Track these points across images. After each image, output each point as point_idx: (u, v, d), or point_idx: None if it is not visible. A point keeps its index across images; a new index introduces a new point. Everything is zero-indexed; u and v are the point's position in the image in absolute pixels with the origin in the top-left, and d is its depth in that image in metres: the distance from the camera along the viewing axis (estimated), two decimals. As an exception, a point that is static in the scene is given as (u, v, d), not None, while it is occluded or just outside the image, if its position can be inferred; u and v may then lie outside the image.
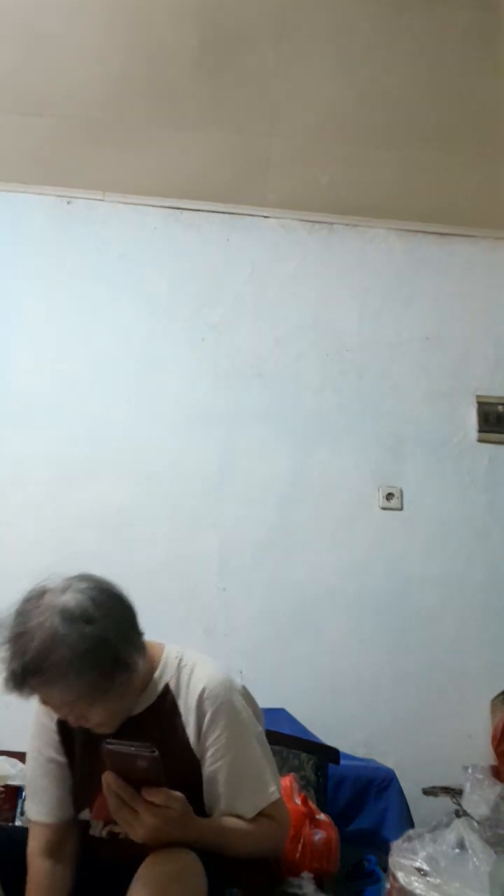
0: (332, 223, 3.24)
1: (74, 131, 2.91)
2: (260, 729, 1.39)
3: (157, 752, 1.14)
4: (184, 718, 1.32)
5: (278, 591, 2.79)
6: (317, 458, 2.95)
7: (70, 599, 1.25)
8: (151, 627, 2.73)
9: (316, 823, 1.74)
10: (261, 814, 1.33)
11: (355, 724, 2.66)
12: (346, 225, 3.24)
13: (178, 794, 1.19)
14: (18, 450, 2.86)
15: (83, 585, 1.28)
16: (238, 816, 1.31)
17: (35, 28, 2.58)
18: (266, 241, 3.20)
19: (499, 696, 2.69)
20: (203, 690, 1.33)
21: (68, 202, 3.17)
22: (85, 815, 1.37)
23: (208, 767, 1.31)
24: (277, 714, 2.48)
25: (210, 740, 1.31)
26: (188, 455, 2.91)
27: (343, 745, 2.16)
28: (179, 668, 1.38)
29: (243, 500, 2.88)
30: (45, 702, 1.27)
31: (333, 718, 2.60)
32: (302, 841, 1.67)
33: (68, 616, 1.22)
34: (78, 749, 1.38)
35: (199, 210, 3.19)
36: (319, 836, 1.71)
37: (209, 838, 1.24)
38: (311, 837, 1.68)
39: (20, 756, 2.32)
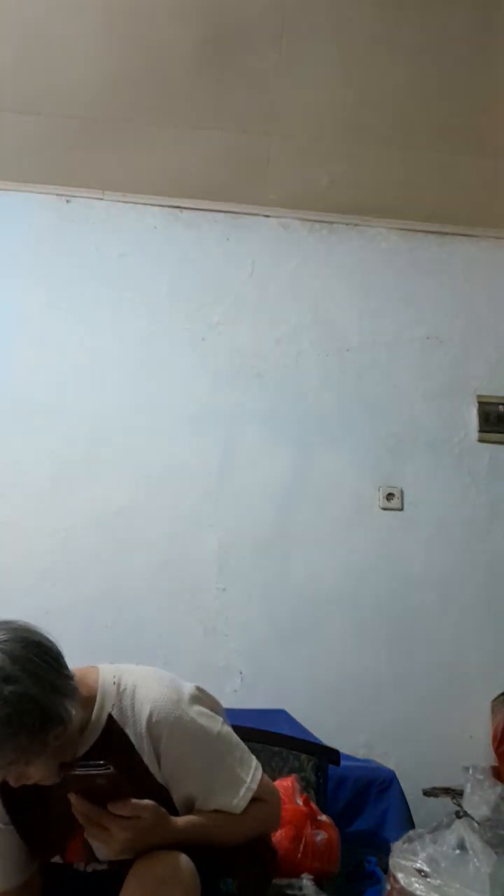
0: (332, 223, 3.23)
1: (74, 131, 2.91)
2: (220, 725, 1.31)
3: (111, 768, 1.12)
4: (137, 747, 1.25)
5: (278, 591, 2.79)
6: (317, 458, 2.95)
7: None
8: (151, 627, 2.76)
9: (317, 824, 1.74)
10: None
11: (355, 725, 2.66)
12: (347, 224, 3.24)
13: (146, 802, 1.17)
14: (18, 450, 2.86)
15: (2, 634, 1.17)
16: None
17: (35, 28, 2.57)
18: (266, 241, 3.19)
19: (499, 696, 2.69)
20: (150, 715, 1.24)
21: (67, 201, 3.16)
22: (57, 859, 1.32)
23: (179, 790, 1.26)
24: (277, 715, 2.48)
25: (172, 763, 1.25)
26: (188, 455, 2.91)
27: (343, 746, 2.16)
28: (120, 694, 1.28)
29: (243, 500, 2.88)
30: None
31: (333, 719, 2.60)
32: (303, 841, 1.67)
33: None
34: (27, 803, 1.29)
35: (199, 209, 3.19)
36: (321, 836, 1.71)
37: (193, 836, 1.22)
38: (312, 838, 1.68)
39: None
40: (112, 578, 2.74)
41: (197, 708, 1.29)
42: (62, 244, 3.11)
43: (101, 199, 3.17)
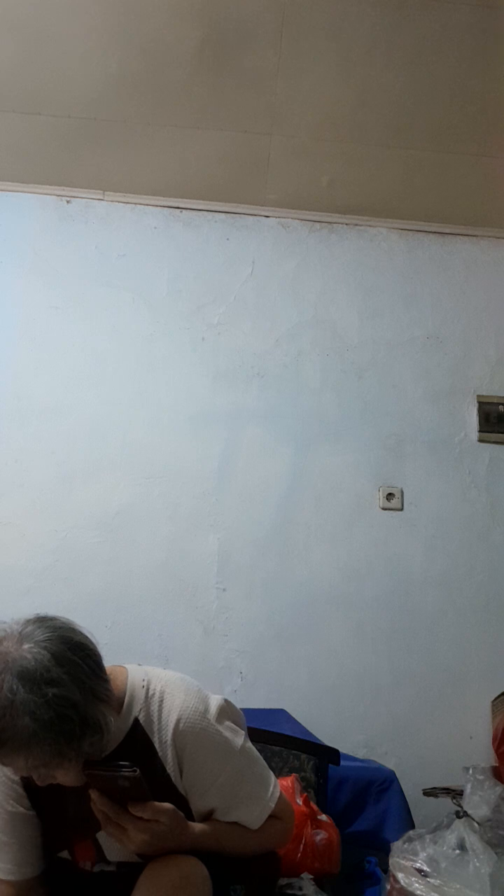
0: (332, 222, 3.24)
1: (74, 131, 2.90)
2: (244, 741, 1.30)
3: (137, 771, 1.12)
4: (161, 754, 1.24)
5: (278, 591, 2.79)
6: (317, 458, 2.95)
7: (28, 657, 1.10)
8: (151, 627, 2.76)
9: (317, 824, 1.74)
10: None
11: (355, 725, 2.66)
12: (347, 224, 3.24)
13: (166, 806, 1.17)
14: (19, 450, 2.86)
15: (42, 636, 1.13)
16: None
17: (35, 28, 2.57)
18: (266, 241, 3.20)
19: (499, 696, 2.69)
20: (178, 723, 1.23)
21: (68, 202, 3.17)
22: (64, 854, 1.31)
23: (198, 801, 1.26)
24: (277, 715, 2.48)
25: (194, 774, 1.24)
26: (188, 455, 2.91)
27: (343, 746, 2.16)
28: (148, 699, 1.26)
29: (243, 500, 2.88)
30: (6, 764, 1.17)
31: (333, 719, 2.61)
32: (303, 841, 1.67)
33: (28, 678, 1.08)
34: (46, 796, 1.28)
35: (199, 209, 3.19)
36: (321, 836, 1.71)
37: (206, 844, 1.23)
38: (312, 838, 1.68)
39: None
40: (112, 578, 2.74)
41: (224, 722, 1.28)
42: (62, 244, 3.11)
43: (101, 199, 3.17)
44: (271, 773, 1.35)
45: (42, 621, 1.17)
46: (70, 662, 1.13)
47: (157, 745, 1.24)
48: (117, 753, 1.22)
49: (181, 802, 1.24)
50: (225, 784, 1.25)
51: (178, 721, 1.23)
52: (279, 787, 1.34)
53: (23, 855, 1.29)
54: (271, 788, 1.31)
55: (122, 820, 1.15)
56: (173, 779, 1.24)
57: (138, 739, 1.24)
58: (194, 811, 1.26)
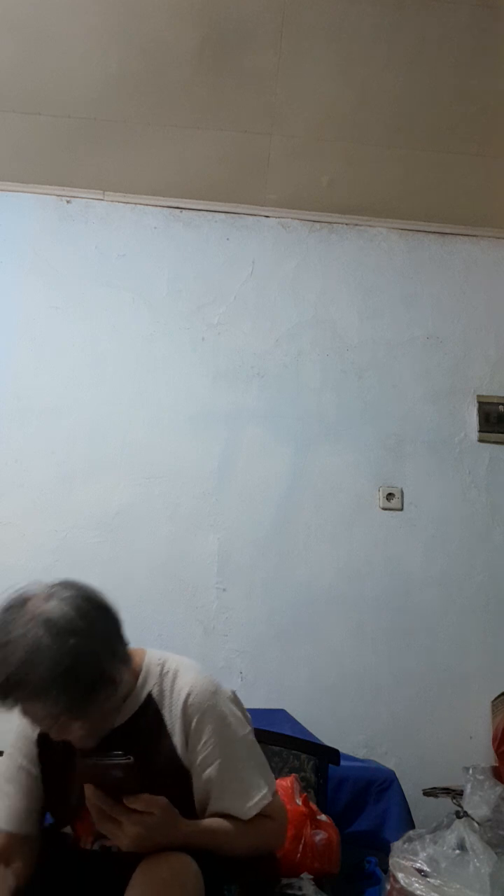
0: (332, 222, 3.24)
1: (74, 131, 2.91)
2: (249, 732, 1.35)
3: (132, 759, 1.13)
4: (169, 727, 1.29)
5: (278, 591, 2.79)
6: (317, 458, 2.95)
7: (55, 609, 1.18)
8: (151, 627, 2.75)
9: (317, 824, 1.74)
10: (257, 814, 1.31)
11: (355, 725, 2.66)
12: (347, 224, 3.24)
13: (159, 798, 1.18)
14: (19, 450, 2.86)
15: (67, 594, 1.22)
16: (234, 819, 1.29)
17: (35, 28, 2.57)
18: (266, 241, 3.20)
19: (499, 696, 2.69)
20: (188, 697, 1.30)
21: (68, 202, 3.17)
22: (67, 830, 1.34)
23: (198, 777, 1.28)
24: (277, 715, 2.48)
25: (198, 748, 1.28)
26: (188, 455, 2.91)
27: (343, 746, 2.16)
28: (162, 675, 1.33)
29: (243, 500, 2.88)
30: (26, 713, 1.22)
31: (333, 719, 2.61)
32: (303, 841, 1.66)
33: (53, 627, 1.16)
34: (57, 764, 1.33)
35: (199, 209, 3.19)
36: (320, 836, 1.71)
37: (199, 840, 1.22)
38: (312, 838, 1.68)
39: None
40: (112, 578, 2.73)
41: (231, 706, 1.34)
42: (62, 245, 3.11)
43: (101, 199, 3.17)
44: (271, 772, 1.36)
45: (68, 583, 1.25)
46: (92, 618, 1.21)
47: (167, 719, 1.29)
48: (129, 724, 1.29)
49: (184, 778, 1.28)
50: (222, 764, 1.28)
51: (188, 695, 1.30)
52: (276, 785, 1.35)
53: (21, 808, 1.34)
54: (269, 783, 1.33)
55: (117, 813, 1.16)
56: (179, 752, 1.28)
57: (149, 712, 1.30)
58: (195, 789, 1.29)
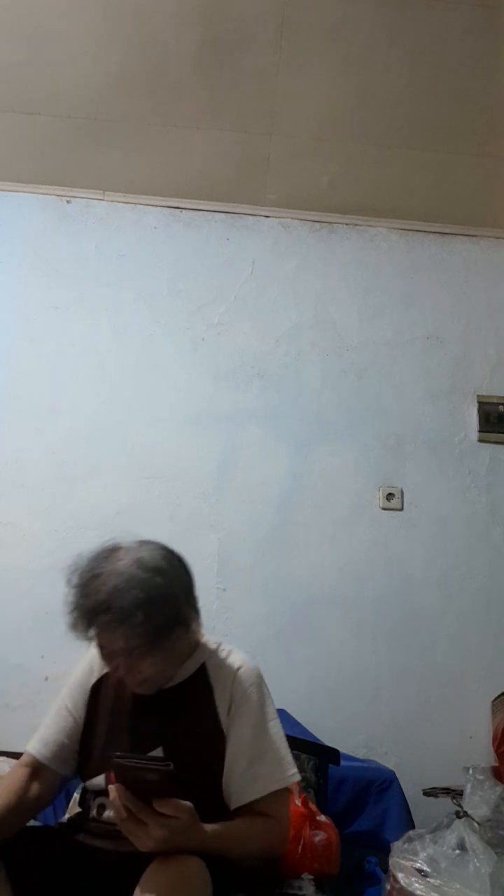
0: (332, 222, 3.24)
1: (74, 131, 2.91)
2: (278, 721, 1.46)
3: (171, 766, 1.15)
4: (216, 695, 1.42)
5: (278, 591, 2.79)
6: (317, 458, 2.95)
7: (145, 552, 1.36)
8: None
9: (316, 825, 1.74)
10: (262, 812, 1.34)
11: (355, 725, 2.66)
12: (347, 224, 3.24)
13: (186, 803, 1.20)
14: (19, 450, 2.86)
15: (155, 545, 1.40)
16: (248, 804, 1.35)
17: (35, 27, 2.57)
18: (266, 241, 3.20)
19: (499, 696, 2.69)
20: (237, 671, 1.44)
21: (68, 202, 3.17)
22: (100, 781, 1.41)
23: (232, 743, 1.38)
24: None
25: (238, 716, 1.40)
26: (188, 455, 2.91)
27: (343, 747, 2.16)
28: (217, 651, 1.50)
29: (243, 500, 2.88)
30: (103, 647, 1.34)
31: (333, 719, 2.60)
32: (302, 842, 1.66)
33: (142, 565, 1.32)
34: (100, 718, 1.46)
35: (199, 210, 3.19)
36: (320, 837, 1.71)
37: (214, 844, 1.24)
38: (311, 839, 1.68)
39: (19, 757, 2.32)
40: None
41: (270, 697, 1.47)
42: (62, 245, 3.11)
43: (101, 199, 3.18)
44: (295, 767, 1.45)
45: (153, 541, 1.42)
46: (176, 566, 1.40)
47: (215, 687, 1.43)
48: (180, 686, 1.43)
49: (220, 743, 1.39)
50: (259, 738, 1.40)
51: (239, 668, 1.45)
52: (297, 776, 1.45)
53: (54, 741, 1.48)
54: (293, 770, 1.42)
55: (144, 814, 1.17)
56: (221, 718, 1.40)
57: (199, 680, 1.44)
58: (227, 752, 1.38)
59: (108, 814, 1.36)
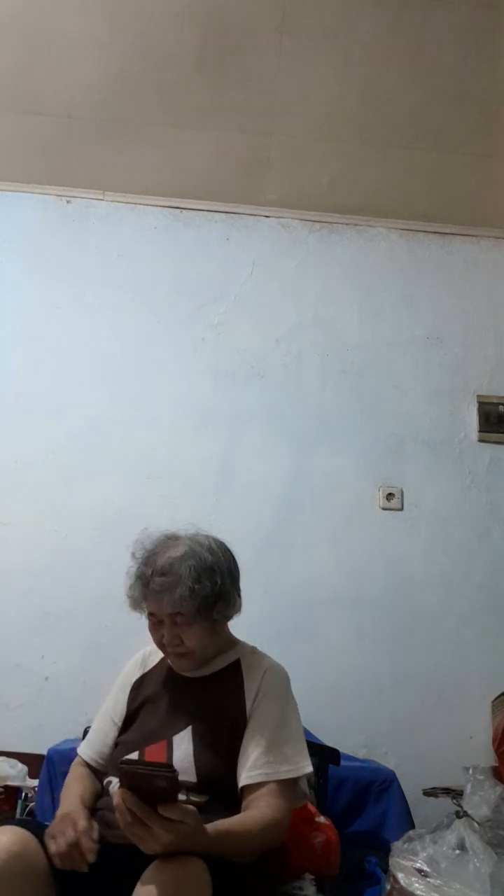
0: (332, 222, 3.24)
1: (74, 131, 2.91)
2: (299, 720, 1.57)
3: (177, 773, 1.17)
4: (246, 686, 1.55)
5: (278, 591, 2.78)
6: (317, 458, 2.95)
7: (201, 538, 1.58)
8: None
9: (316, 826, 1.73)
10: (265, 797, 1.39)
11: (355, 726, 2.66)
12: (347, 224, 3.24)
13: (191, 808, 1.21)
14: (18, 450, 2.86)
15: (208, 535, 1.61)
16: (255, 785, 1.41)
17: (35, 28, 2.57)
18: (266, 241, 3.20)
19: (499, 696, 2.69)
20: (267, 669, 1.58)
21: (68, 202, 3.17)
22: (133, 754, 1.49)
23: (252, 727, 1.48)
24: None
25: (261, 705, 1.51)
26: (188, 455, 2.91)
27: (343, 747, 2.16)
28: (252, 652, 1.65)
29: (243, 500, 2.87)
30: (152, 615, 1.52)
31: (334, 719, 2.60)
32: (302, 844, 1.66)
33: (197, 543, 1.55)
34: (140, 709, 1.59)
35: (199, 210, 3.19)
36: (319, 839, 1.70)
37: (217, 845, 1.26)
38: (310, 841, 1.68)
39: (19, 757, 2.32)
40: (112, 578, 2.70)
41: (294, 699, 1.59)
42: (62, 244, 3.11)
43: (102, 199, 3.17)
44: (309, 763, 1.52)
45: (208, 534, 1.63)
46: (228, 555, 1.61)
47: (245, 681, 1.56)
48: (214, 676, 1.58)
49: (241, 729, 1.49)
50: (280, 726, 1.50)
51: (268, 668, 1.59)
52: (306, 781, 1.56)
53: (99, 751, 1.61)
54: (307, 762, 1.50)
55: (151, 819, 1.18)
56: (247, 706, 1.52)
57: (230, 673, 1.58)
58: (246, 733, 1.48)
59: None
